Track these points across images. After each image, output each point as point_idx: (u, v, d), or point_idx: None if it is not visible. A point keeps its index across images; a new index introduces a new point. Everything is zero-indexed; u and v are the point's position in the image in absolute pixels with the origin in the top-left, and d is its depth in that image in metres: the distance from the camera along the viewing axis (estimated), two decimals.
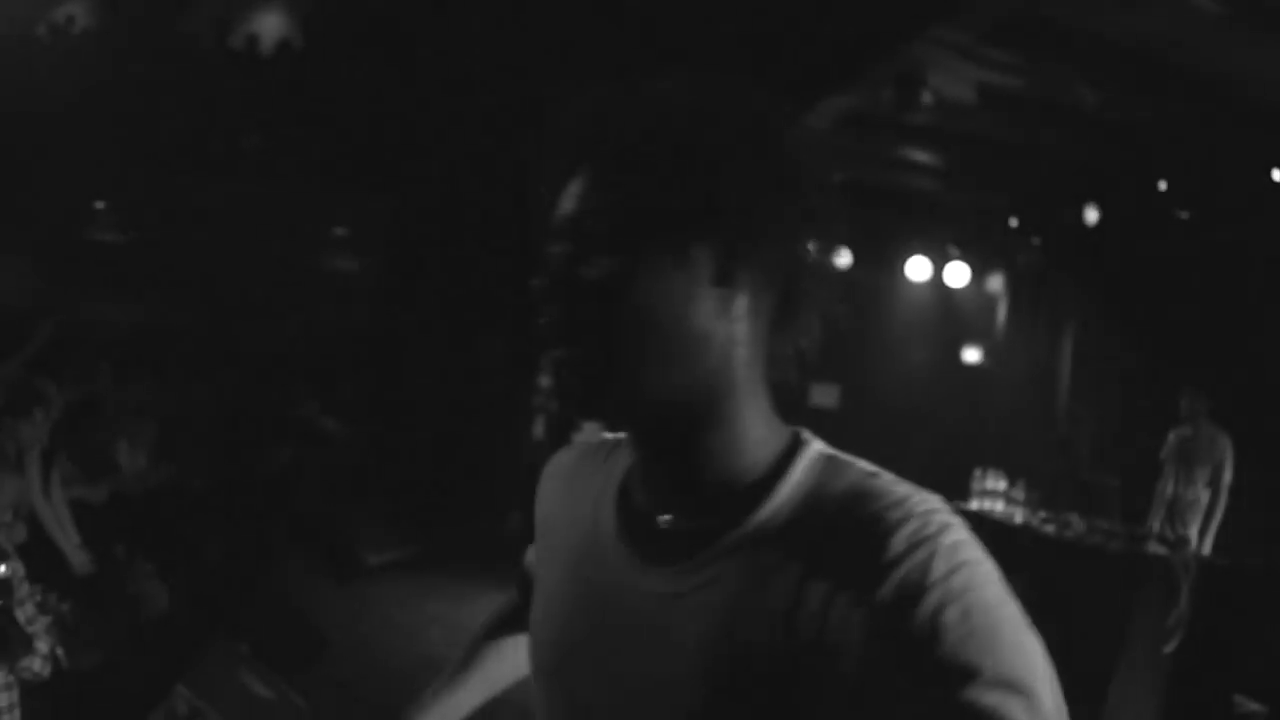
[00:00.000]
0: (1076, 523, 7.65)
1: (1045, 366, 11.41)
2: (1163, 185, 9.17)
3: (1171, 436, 8.40)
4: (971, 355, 12.31)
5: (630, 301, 1.16)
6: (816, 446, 1.27)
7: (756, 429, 1.26)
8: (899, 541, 1.09)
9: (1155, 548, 6.98)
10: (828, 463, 1.24)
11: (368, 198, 13.58)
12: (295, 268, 14.06)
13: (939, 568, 1.07)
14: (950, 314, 12.45)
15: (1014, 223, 11.32)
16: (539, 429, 12.28)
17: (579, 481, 1.46)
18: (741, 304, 1.21)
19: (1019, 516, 8.13)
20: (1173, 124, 8.51)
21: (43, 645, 3.87)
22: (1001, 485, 8.54)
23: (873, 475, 1.20)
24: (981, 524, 8.20)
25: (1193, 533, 8.10)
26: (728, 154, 1.18)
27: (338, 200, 14.04)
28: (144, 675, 4.90)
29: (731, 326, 1.21)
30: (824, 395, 13.24)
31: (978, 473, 8.67)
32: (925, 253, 12.13)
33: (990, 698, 1.01)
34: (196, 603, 6.82)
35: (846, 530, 1.13)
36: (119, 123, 13.56)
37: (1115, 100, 8.28)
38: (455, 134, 11.59)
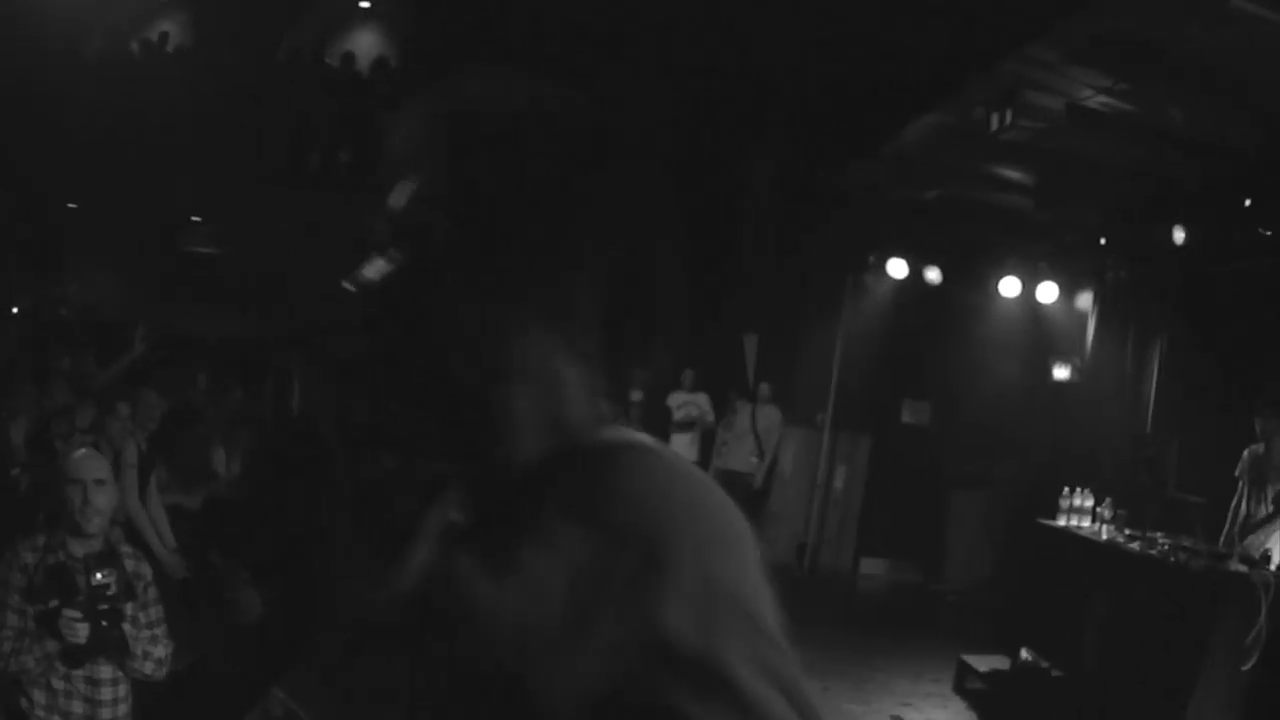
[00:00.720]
0: (1160, 541, 7.65)
1: (1132, 384, 11.35)
2: (1248, 203, 9.13)
3: (1246, 454, 8.36)
4: (1060, 372, 12.29)
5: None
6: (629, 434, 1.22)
7: (564, 423, 1.19)
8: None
9: (1236, 566, 6.97)
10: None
11: None
12: None
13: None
14: (1039, 331, 12.42)
15: (1103, 240, 11.29)
16: None
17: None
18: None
19: (1105, 534, 8.14)
20: (1259, 141, 8.48)
21: (159, 649, 4.02)
22: (1089, 503, 8.54)
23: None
24: (1069, 541, 8.25)
25: (1272, 550, 8.08)
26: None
27: None
28: (238, 679, 5.14)
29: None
30: (915, 412, 13.27)
31: (1065, 490, 8.68)
32: (1015, 270, 12.14)
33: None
34: (290, 608, 6.92)
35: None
36: (214, 137, 13.86)
37: (1202, 118, 8.28)
38: None
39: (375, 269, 1.18)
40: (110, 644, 3.82)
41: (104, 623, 3.79)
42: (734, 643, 1.01)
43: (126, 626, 3.87)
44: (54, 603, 3.75)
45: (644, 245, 1.20)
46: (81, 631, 3.74)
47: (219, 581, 5.96)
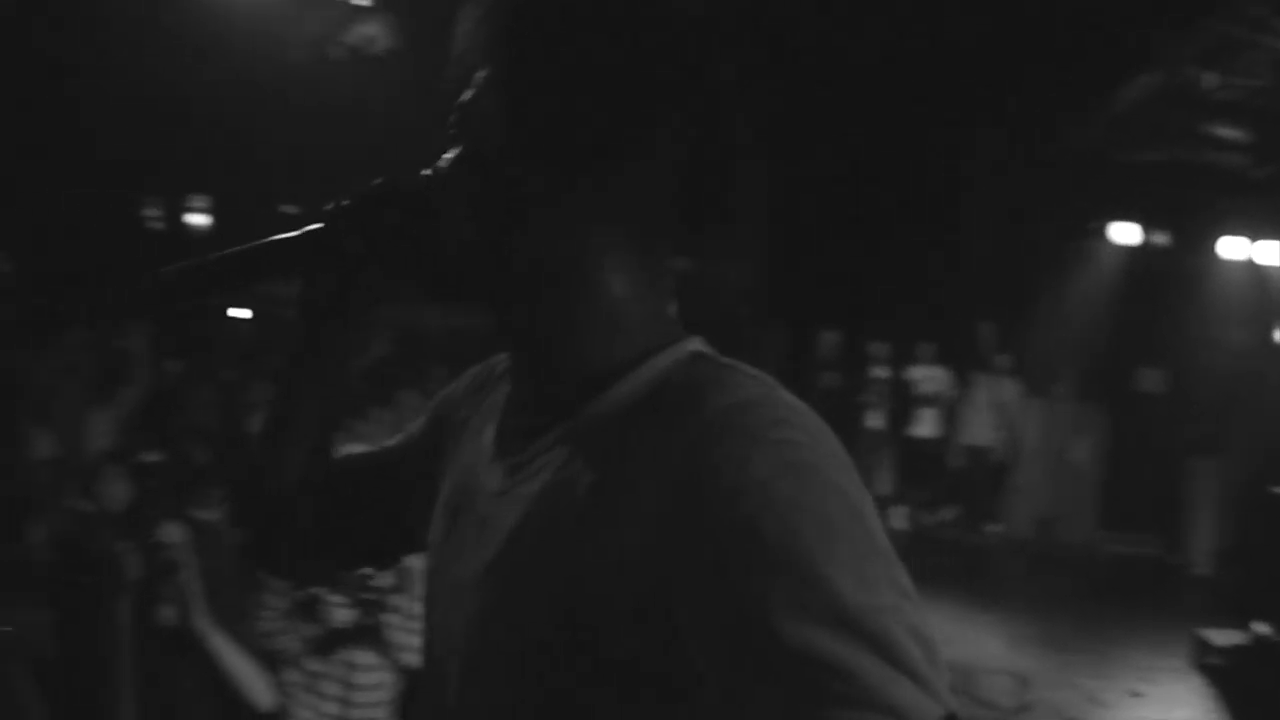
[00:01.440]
0: None
1: None
2: None
3: None
4: None
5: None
6: (691, 346, 1.12)
7: (624, 320, 1.11)
8: (715, 432, 0.96)
9: None
10: (692, 360, 1.09)
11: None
12: None
13: (759, 467, 0.92)
14: (1264, 293, 11.95)
15: None
16: (876, 419, 12.48)
17: (492, 394, 1.33)
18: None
19: None
20: None
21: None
22: None
23: (729, 368, 1.06)
24: None
25: None
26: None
27: None
28: None
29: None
30: (1151, 380, 12.92)
31: None
32: (1237, 231, 11.72)
33: (821, 642, 0.84)
34: None
35: (669, 423, 1.00)
36: (426, 137, 14.19)
37: None
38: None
39: (446, 159, 1.20)
40: (370, 633, 3.79)
41: (366, 611, 3.76)
42: (886, 596, 0.88)
43: (393, 617, 3.82)
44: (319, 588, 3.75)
45: (722, 132, 1.10)
46: (343, 618, 3.73)
47: None
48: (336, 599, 3.73)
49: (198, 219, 16.02)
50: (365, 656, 3.83)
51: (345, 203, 1.29)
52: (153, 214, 15.97)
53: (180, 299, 1.29)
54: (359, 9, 14.61)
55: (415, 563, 3.76)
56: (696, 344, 1.11)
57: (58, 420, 6.74)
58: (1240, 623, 8.33)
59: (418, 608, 3.65)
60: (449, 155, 1.20)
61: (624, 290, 1.10)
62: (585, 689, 1.01)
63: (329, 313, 1.34)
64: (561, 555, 1.03)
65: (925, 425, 12.40)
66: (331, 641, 3.79)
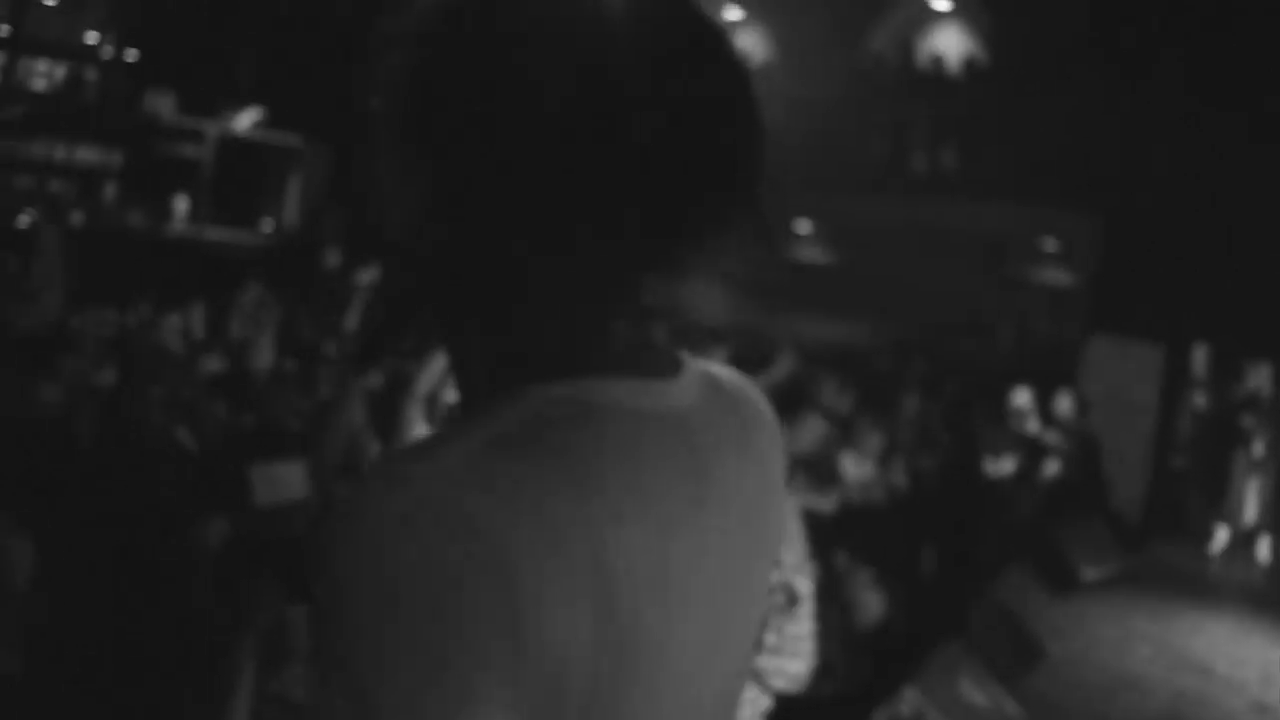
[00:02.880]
0: None
1: None
2: None
3: None
4: None
5: None
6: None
7: None
8: None
9: None
10: None
11: (1077, 214, 13.25)
12: (1005, 282, 14.27)
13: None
14: None
15: None
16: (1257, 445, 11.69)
17: None
18: None
19: None
20: None
21: (795, 664, 3.96)
22: None
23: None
24: None
25: None
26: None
27: (1047, 216, 13.89)
28: (861, 679, 5.27)
29: None
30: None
31: None
32: None
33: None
34: (915, 610, 6.99)
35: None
36: (815, 149, 14.10)
37: None
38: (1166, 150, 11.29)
39: None
40: None
41: None
42: None
43: (770, 637, 3.86)
44: None
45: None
46: None
47: (841, 584, 6.15)
48: None
49: None
50: None
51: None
52: None
53: None
54: (729, 24, 14.99)
55: (804, 585, 4.09)
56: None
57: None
58: None
59: (797, 629, 3.96)
60: None
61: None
62: None
63: None
64: None
65: None
66: None
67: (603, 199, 0.94)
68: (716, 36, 1.01)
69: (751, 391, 1.20)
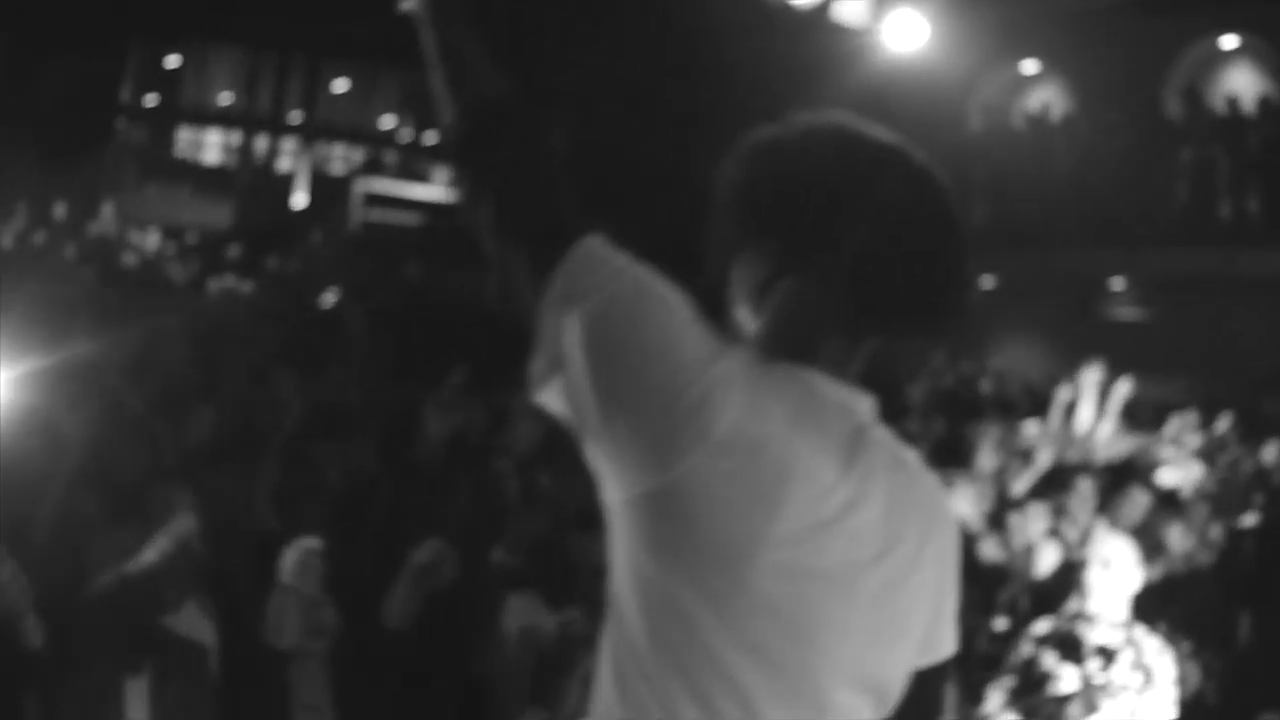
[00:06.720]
0: None
1: None
2: None
3: None
4: None
5: None
6: None
7: None
8: None
9: None
10: None
11: None
12: None
13: None
14: None
15: None
16: None
17: None
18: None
19: None
20: None
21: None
22: None
23: None
24: None
25: None
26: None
27: None
28: None
29: None
30: None
31: None
32: None
33: None
34: (1235, 684, 6.56)
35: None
36: (1117, 200, 13.91)
37: None
38: None
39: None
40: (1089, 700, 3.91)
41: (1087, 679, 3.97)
42: None
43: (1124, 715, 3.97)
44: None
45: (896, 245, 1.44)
46: (1067, 685, 3.96)
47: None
48: (1064, 666, 3.90)
49: None
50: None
51: None
52: None
53: None
54: (1028, 78, 14.72)
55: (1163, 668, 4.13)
56: None
57: None
58: None
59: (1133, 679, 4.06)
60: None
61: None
62: None
63: None
64: None
65: None
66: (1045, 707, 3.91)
67: (887, 318, 1.47)
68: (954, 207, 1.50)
69: (938, 491, 1.57)
